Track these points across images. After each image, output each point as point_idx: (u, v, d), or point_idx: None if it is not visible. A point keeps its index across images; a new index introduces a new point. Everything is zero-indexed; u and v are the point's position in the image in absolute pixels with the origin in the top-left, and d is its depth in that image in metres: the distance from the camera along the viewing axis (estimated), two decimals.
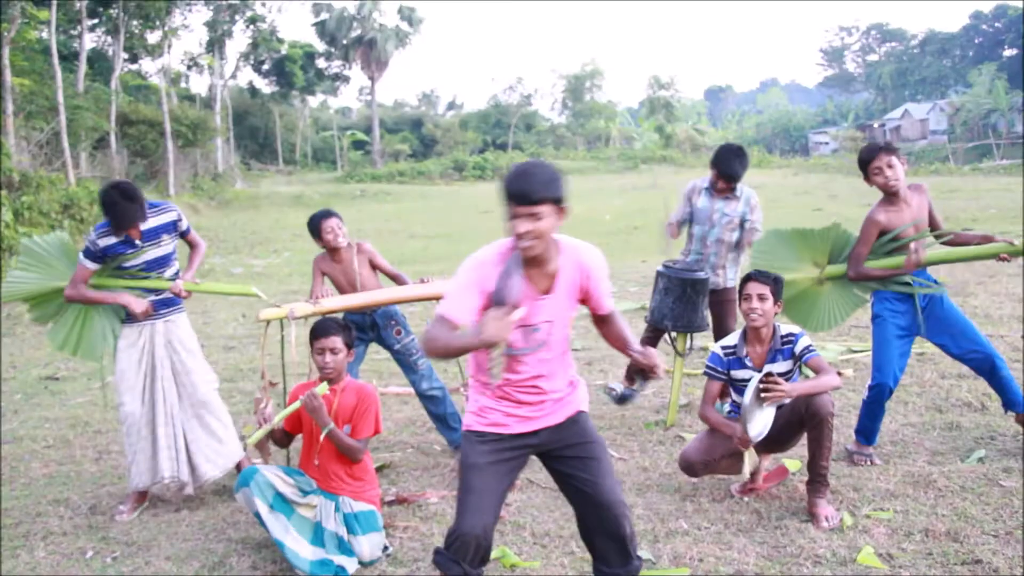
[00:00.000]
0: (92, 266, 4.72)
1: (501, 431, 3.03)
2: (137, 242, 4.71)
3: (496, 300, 2.76)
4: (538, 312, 2.92)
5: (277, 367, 5.62)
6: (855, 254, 4.82)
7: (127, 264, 4.75)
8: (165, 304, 4.86)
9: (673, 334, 5.82)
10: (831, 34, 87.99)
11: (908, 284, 4.76)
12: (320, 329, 4.20)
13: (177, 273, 4.92)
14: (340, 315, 5.08)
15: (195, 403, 4.84)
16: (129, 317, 4.81)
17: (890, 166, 4.67)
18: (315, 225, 5.30)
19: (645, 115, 63.11)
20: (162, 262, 4.82)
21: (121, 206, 4.52)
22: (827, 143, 62.68)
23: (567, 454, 3.08)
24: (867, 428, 4.90)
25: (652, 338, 6.01)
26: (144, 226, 4.72)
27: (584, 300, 3.08)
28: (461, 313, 2.82)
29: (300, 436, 4.32)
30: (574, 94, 61.52)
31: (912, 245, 4.69)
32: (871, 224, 4.75)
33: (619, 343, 3.20)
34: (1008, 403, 4.86)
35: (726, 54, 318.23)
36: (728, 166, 5.76)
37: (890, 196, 4.74)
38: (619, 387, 6.25)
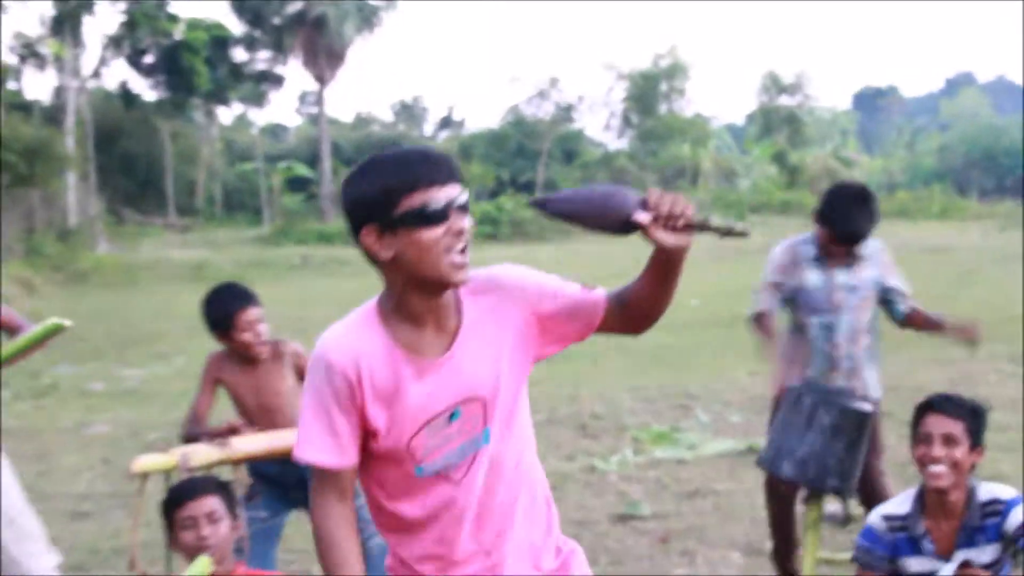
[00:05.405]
0: None
1: None
2: None
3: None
4: (445, 387, 1.91)
5: (157, 546, 3.87)
6: None
7: None
8: None
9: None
10: None
11: None
12: (184, 491, 3.12)
13: None
14: (243, 465, 3.73)
15: None
16: None
17: None
18: (225, 315, 3.69)
19: (756, 136, 44.83)
20: None
21: None
22: None
23: None
24: None
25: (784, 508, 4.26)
26: None
27: (547, 335, 1.98)
28: None
29: None
30: (642, 104, 42.66)
31: None
32: None
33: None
34: None
35: (889, 41, 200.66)
36: (847, 221, 4.09)
37: None
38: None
